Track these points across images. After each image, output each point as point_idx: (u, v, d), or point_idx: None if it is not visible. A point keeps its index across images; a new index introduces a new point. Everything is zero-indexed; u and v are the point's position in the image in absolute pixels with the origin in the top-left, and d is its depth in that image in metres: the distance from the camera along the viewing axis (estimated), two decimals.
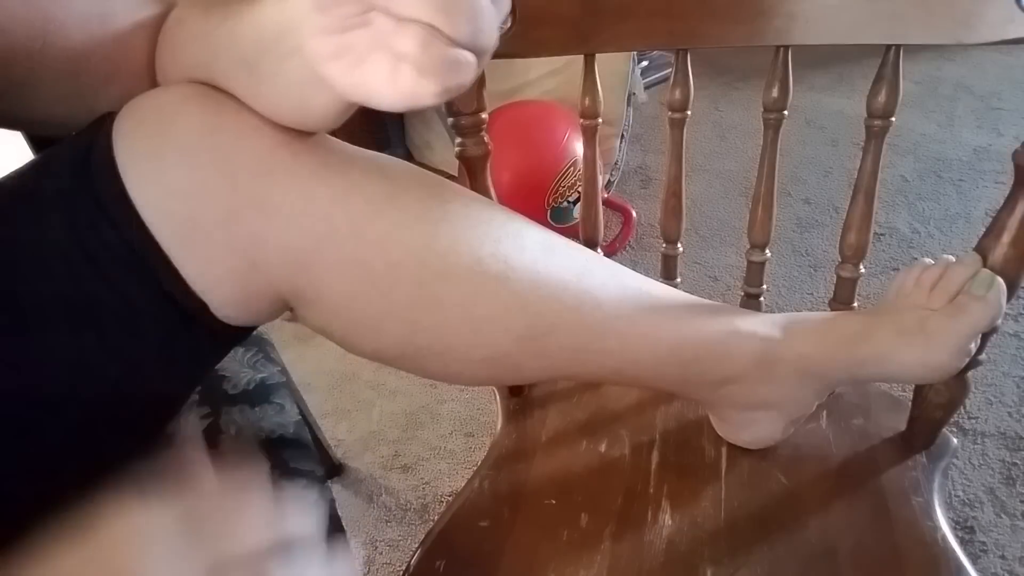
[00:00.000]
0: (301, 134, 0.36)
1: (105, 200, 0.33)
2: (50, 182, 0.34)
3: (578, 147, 1.41)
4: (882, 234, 1.42)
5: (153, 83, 0.40)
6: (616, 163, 1.62)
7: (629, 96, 1.54)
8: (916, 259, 0.49)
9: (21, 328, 0.33)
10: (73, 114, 0.38)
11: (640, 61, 1.96)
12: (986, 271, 0.44)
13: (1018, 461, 0.98)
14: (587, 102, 0.55)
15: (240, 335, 0.40)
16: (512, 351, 0.42)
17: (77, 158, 0.34)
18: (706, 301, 0.49)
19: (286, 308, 0.40)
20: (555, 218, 1.45)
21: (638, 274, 0.47)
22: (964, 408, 1.06)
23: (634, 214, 1.54)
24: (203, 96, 0.35)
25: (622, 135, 1.60)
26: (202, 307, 0.35)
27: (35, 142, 0.67)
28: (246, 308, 0.37)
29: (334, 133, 0.38)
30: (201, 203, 0.34)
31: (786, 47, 0.49)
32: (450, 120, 0.51)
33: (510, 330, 0.41)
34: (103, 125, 0.34)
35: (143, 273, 0.34)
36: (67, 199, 0.33)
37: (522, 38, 0.50)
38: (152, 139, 0.34)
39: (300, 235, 0.35)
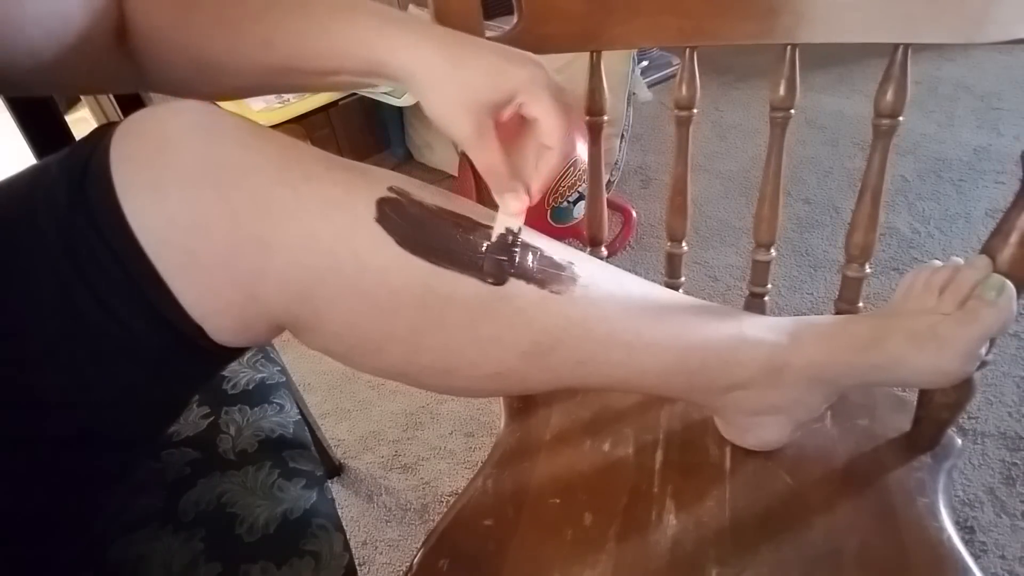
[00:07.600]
0: (304, 170, 0.35)
1: (102, 225, 0.32)
2: (44, 202, 0.33)
3: (578, 146, 1.41)
4: (882, 234, 1.42)
5: (114, 58, 0.40)
6: (616, 163, 1.62)
7: (629, 96, 1.54)
8: (916, 259, 0.49)
9: (17, 347, 0.32)
10: (36, 92, 0.37)
11: (640, 61, 1.96)
12: (997, 275, 0.43)
13: (1018, 461, 0.98)
14: (593, 100, 0.55)
15: (236, 354, 0.39)
16: (517, 367, 0.42)
17: (73, 176, 0.33)
18: (713, 305, 0.49)
19: (284, 330, 0.39)
20: (555, 218, 1.45)
21: (643, 280, 0.47)
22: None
23: (634, 214, 1.54)
24: (207, 126, 0.34)
25: (622, 135, 1.59)
26: (198, 331, 0.35)
27: (35, 143, 0.67)
28: (243, 334, 0.37)
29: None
30: (201, 237, 0.33)
31: (794, 45, 0.49)
32: None
33: (515, 347, 0.41)
34: (99, 142, 0.33)
35: (140, 298, 0.33)
36: (62, 221, 0.33)
37: (527, 35, 0.49)
38: (153, 168, 0.33)
39: (301, 271, 0.35)
